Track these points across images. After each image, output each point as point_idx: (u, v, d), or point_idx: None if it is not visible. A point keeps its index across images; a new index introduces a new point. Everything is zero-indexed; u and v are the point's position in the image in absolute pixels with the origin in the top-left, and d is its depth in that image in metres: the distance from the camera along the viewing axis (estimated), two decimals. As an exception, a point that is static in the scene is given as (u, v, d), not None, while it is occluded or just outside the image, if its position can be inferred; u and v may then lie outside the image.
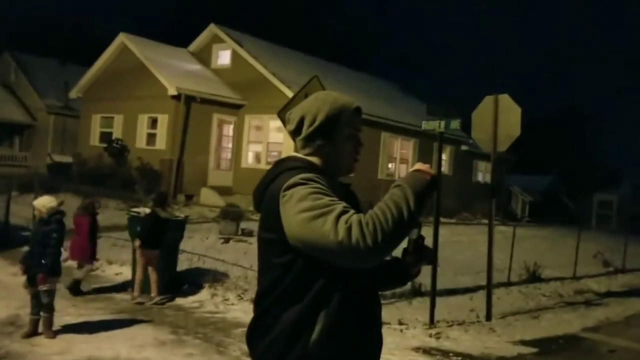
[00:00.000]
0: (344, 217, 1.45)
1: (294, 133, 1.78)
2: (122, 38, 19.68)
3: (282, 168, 1.70)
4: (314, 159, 1.75)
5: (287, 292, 1.60)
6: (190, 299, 7.21)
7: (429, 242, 6.78)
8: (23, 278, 5.54)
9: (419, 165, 1.65)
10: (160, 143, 18.07)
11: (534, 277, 10.12)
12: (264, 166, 18.08)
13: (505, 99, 7.32)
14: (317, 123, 1.72)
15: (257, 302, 1.69)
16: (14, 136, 27.21)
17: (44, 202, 5.68)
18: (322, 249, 1.47)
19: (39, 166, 23.37)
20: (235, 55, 19.71)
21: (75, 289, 7.09)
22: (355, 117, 1.80)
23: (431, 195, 1.62)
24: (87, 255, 7.33)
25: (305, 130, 1.74)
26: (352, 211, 1.49)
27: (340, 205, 1.49)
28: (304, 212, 1.48)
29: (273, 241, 1.61)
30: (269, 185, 1.67)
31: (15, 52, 28.80)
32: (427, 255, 1.85)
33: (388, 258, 1.88)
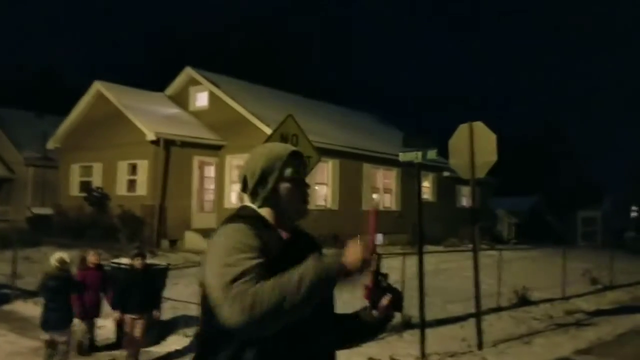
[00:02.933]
0: (234, 284, 1.46)
1: (243, 190, 1.85)
2: (97, 86, 19.71)
3: (228, 217, 1.76)
4: (263, 211, 1.78)
5: (214, 337, 1.62)
6: (174, 347, 7.03)
7: (412, 272, 6.67)
8: (3, 339, 5.37)
9: (352, 252, 1.59)
10: (141, 189, 17.92)
11: (523, 301, 10.07)
12: (247, 205, 17.95)
13: (479, 126, 7.41)
14: (256, 177, 1.79)
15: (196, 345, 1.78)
16: (-7, 191, 26.81)
17: (63, 257, 6.10)
18: (212, 304, 1.51)
19: (18, 220, 22.98)
20: (212, 97, 19.82)
21: (91, 347, 6.97)
22: (293, 162, 1.81)
23: (329, 290, 1.60)
24: (99, 311, 7.20)
25: (249, 187, 1.81)
26: (247, 277, 1.48)
27: (241, 268, 1.50)
28: (212, 263, 1.55)
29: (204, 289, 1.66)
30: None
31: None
32: (393, 299, 1.70)
33: (345, 312, 1.87)
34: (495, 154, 7.23)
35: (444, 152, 8.24)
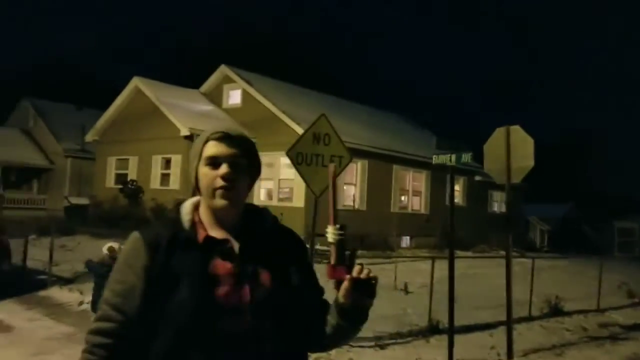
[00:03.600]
0: (94, 325, 1.46)
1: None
2: (135, 82, 20.10)
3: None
4: (201, 205, 1.56)
5: None
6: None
7: (442, 276, 6.59)
8: (39, 323, 5.53)
9: None
10: (174, 183, 18.21)
11: (555, 311, 9.85)
12: (275, 203, 18.07)
13: (516, 130, 7.27)
14: (188, 164, 1.62)
15: None
16: (32, 180, 27.61)
17: (113, 245, 6.58)
18: None
19: (56, 209, 23.62)
20: (245, 95, 19.98)
21: None
22: (219, 142, 1.52)
23: None
24: None
25: None
26: (105, 322, 1.44)
27: (107, 304, 1.45)
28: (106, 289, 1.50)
29: None
30: None
31: (33, 98, 29.51)
32: (358, 280, 1.39)
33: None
34: (532, 158, 7.09)
35: (476, 156, 8.13)
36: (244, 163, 1.53)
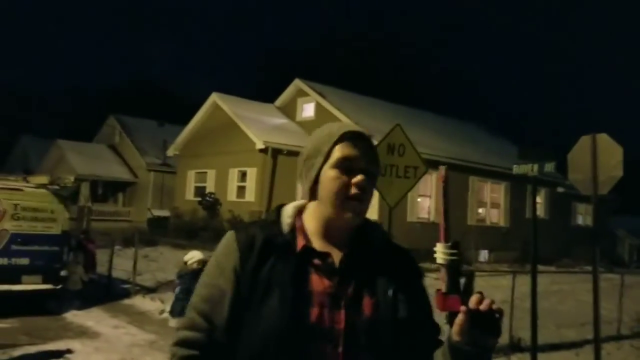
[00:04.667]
0: (180, 329, 1.31)
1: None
2: (214, 97, 20.85)
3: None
4: (311, 207, 1.36)
5: None
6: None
7: (524, 292, 6.34)
8: (123, 330, 5.78)
9: None
10: (250, 195, 18.66)
11: (648, 330, 9.19)
12: (350, 215, 18.07)
13: (603, 138, 6.88)
14: (302, 162, 1.39)
15: None
16: (117, 193, 29.19)
17: (197, 256, 7.00)
18: None
19: (139, 221, 24.82)
20: (318, 107, 20.20)
21: None
22: (348, 143, 1.32)
23: None
24: None
25: (299, 175, 1.42)
26: (195, 321, 1.28)
27: (196, 309, 1.30)
28: (196, 290, 1.35)
29: None
30: None
31: (119, 115, 31.28)
32: (480, 315, 1.09)
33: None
34: (621, 168, 6.68)
35: (559, 167, 7.76)
36: (373, 171, 1.33)
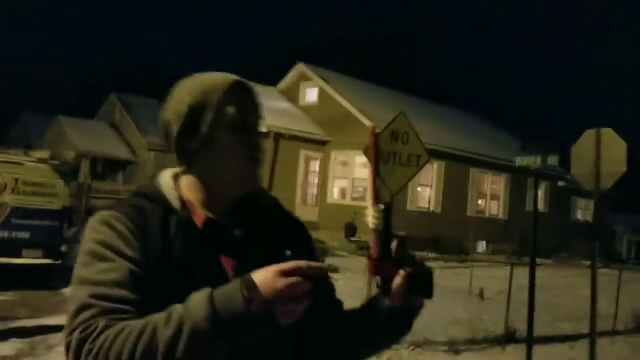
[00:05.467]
0: (78, 317, 0.95)
1: (168, 152, 1.18)
2: (216, 79, 20.77)
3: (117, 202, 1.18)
4: (185, 181, 1.15)
5: None
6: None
7: (521, 284, 6.39)
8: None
9: (261, 276, 0.91)
10: (250, 179, 18.69)
11: (643, 326, 9.25)
12: (349, 202, 18.12)
13: (608, 133, 6.87)
14: (179, 123, 1.12)
15: None
16: (117, 171, 29.16)
17: None
18: None
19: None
20: (322, 93, 20.13)
21: None
22: (239, 98, 1.13)
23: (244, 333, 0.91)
24: None
25: (170, 141, 1.15)
26: (95, 308, 0.95)
27: (93, 290, 0.97)
28: (73, 279, 1.02)
29: None
30: None
31: (120, 93, 31.16)
32: (413, 276, 1.07)
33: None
34: (625, 164, 6.67)
35: (563, 161, 7.76)
36: (260, 126, 1.17)
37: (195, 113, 1.10)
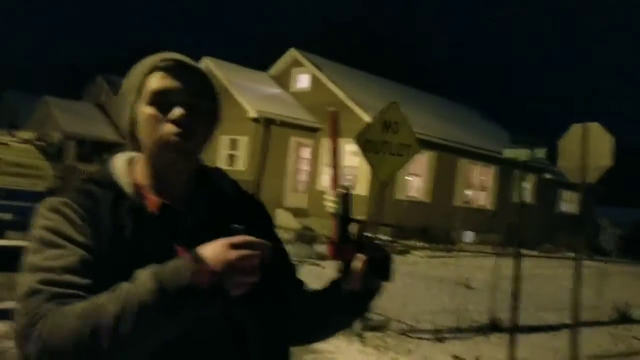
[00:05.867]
0: (29, 299, 0.93)
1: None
2: (206, 62, 20.53)
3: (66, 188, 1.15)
4: (139, 163, 1.16)
5: None
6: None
7: (506, 274, 6.46)
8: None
9: (209, 250, 0.91)
10: (240, 164, 18.59)
11: (624, 318, 9.39)
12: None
13: (594, 127, 6.92)
14: (117, 106, 1.17)
15: None
16: (104, 153, 28.90)
17: None
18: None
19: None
20: (314, 79, 20.03)
21: None
22: (159, 75, 1.11)
23: (196, 308, 0.90)
24: None
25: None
26: (44, 294, 0.93)
27: (41, 276, 0.95)
28: (23, 281, 0.97)
29: None
30: None
31: (106, 74, 30.81)
32: (371, 259, 1.10)
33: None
34: (611, 158, 6.73)
35: (549, 154, 7.82)
36: (203, 105, 1.14)
37: (123, 97, 1.13)
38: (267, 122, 17.91)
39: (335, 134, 1.20)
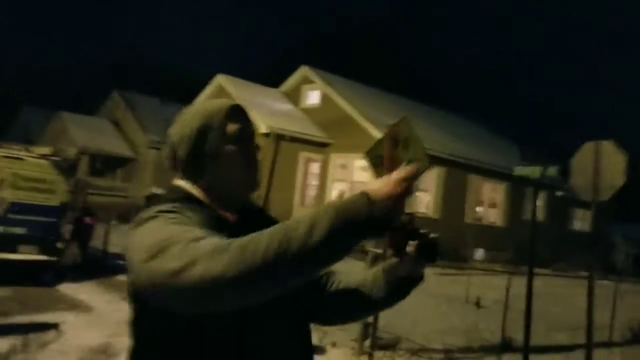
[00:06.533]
0: (192, 245, 1.02)
1: (172, 168, 1.37)
2: (219, 79, 20.76)
3: (147, 205, 1.27)
4: (196, 190, 1.33)
5: None
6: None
7: (518, 293, 6.36)
8: (116, 306, 5.79)
9: (376, 185, 1.09)
10: (250, 179, 18.67)
11: (638, 338, 9.23)
12: (348, 205, 18.13)
13: (607, 145, 6.87)
14: (189, 143, 1.31)
15: None
16: (116, 168, 29.13)
17: None
18: (168, 294, 1.03)
19: (137, 197, 24.80)
20: (324, 96, 20.13)
21: None
22: (237, 117, 1.35)
23: (362, 236, 1.04)
24: None
25: (179, 158, 1.33)
26: (210, 239, 1.05)
27: (190, 234, 1.06)
28: (143, 252, 1.08)
29: (129, 298, 1.27)
30: None
31: (122, 91, 31.14)
32: (424, 247, 1.30)
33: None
34: (623, 176, 6.67)
35: (562, 171, 7.76)
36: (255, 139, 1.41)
37: (201, 134, 1.31)
38: (277, 138, 17.99)
39: (392, 142, 1.35)
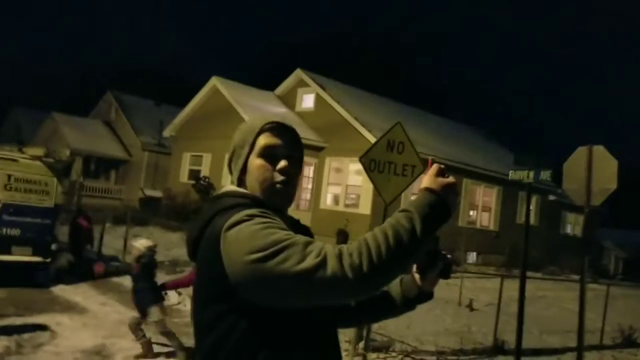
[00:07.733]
0: (311, 247, 1.20)
1: (230, 173, 1.56)
2: (214, 81, 20.76)
3: (218, 207, 1.40)
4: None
5: (233, 355, 1.31)
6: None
7: (510, 296, 6.44)
8: (111, 308, 5.81)
9: (428, 181, 1.32)
10: (244, 182, 18.67)
11: (629, 342, 9.32)
12: (342, 208, 18.14)
13: (599, 150, 6.95)
14: (230, 153, 1.53)
15: None
16: (110, 170, 29.04)
17: (144, 243, 6.15)
18: (284, 291, 1.19)
19: (131, 200, 24.73)
20: (318, 99, 20.17)
21: None
22: (272, 133, 1.47)
23: (443, 218, 1.28)
24: None
25: (233, 165, 1.53)
26: (320, 243, 1.23)
27: (302, 238, 1.23)
28: (256, 253, 1.20)
29: (214, 295, 1.33)
30: (205, 229, 1.38)
31: (116, 92, 31.03)
32: (443, 266, 1.54)
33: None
34: (615, 181, 6.75)
35: (553, 175, 7.83)
36: (297, 157, 1.51)
37: (237, 148, 1.49)
38: (272, 141, 18.04)
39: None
